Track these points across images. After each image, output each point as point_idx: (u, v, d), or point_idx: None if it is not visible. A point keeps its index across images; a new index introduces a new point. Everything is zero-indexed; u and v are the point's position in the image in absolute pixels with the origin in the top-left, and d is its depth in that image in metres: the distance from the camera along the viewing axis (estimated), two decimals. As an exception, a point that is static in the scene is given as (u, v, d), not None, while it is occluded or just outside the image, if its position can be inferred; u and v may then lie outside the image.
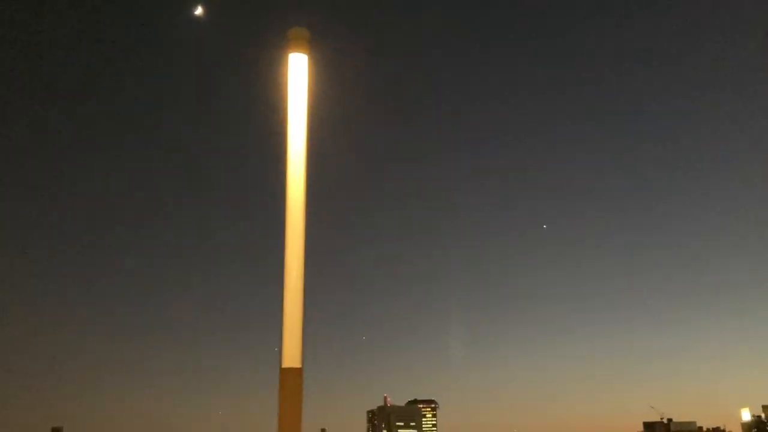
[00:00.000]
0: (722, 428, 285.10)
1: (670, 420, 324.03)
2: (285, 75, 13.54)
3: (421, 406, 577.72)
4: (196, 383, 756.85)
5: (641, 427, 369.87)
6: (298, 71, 13.34)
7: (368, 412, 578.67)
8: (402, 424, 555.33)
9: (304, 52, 13.41)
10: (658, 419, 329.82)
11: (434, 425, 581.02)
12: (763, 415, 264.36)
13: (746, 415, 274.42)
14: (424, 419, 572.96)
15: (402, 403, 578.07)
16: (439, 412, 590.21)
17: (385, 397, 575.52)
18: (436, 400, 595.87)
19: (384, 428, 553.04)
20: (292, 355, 12.45)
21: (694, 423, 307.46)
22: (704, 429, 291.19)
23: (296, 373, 12.40)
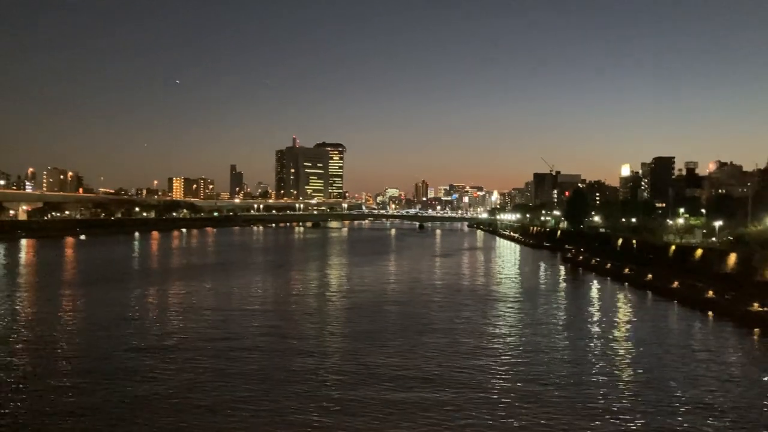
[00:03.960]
0: (603, 181, 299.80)
1: (558, 172, 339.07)
2: None
3: (329, 149, 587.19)
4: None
5: (532, 177, 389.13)
6: None
7: (277, 151, 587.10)
8: (310, 164, 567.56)
9: None
10: (547, 171, 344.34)
11: (341, 167, 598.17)
12: (640, 172, 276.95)
13: (626, 171, 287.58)
14: (331, 161, 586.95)
15: (310, 145, 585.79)
16: (345, 156, 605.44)
17: (294, 139, 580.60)
18: (343, 144, 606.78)
19: (292, 168, 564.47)
20: None
21: (578, 176, 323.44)
22: (587, 181, 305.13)
23: None
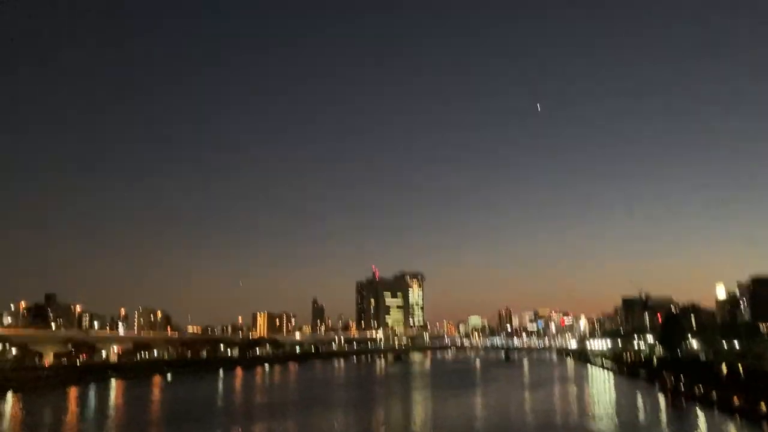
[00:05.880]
0: (697, 304, 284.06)
1: (648, 295, 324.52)
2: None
3: (408, 278, 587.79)
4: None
5: (620, 301, 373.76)
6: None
7: (357, 283, 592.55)
8: (389, 295, 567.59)
9: None
10: (636, 295, 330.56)
11: (421, 296, 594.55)
12: (737, 291, 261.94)
13: (721, 291, 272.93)
14: (411, 290, 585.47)
15: (390, 275, 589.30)
16: (425, 284, 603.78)
17: (374, 269, 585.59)
18: (423, 272, 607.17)
19: (372, 299, 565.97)
20: None
21: (669, 298, 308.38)
22: (679, 304, 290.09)
23: None
